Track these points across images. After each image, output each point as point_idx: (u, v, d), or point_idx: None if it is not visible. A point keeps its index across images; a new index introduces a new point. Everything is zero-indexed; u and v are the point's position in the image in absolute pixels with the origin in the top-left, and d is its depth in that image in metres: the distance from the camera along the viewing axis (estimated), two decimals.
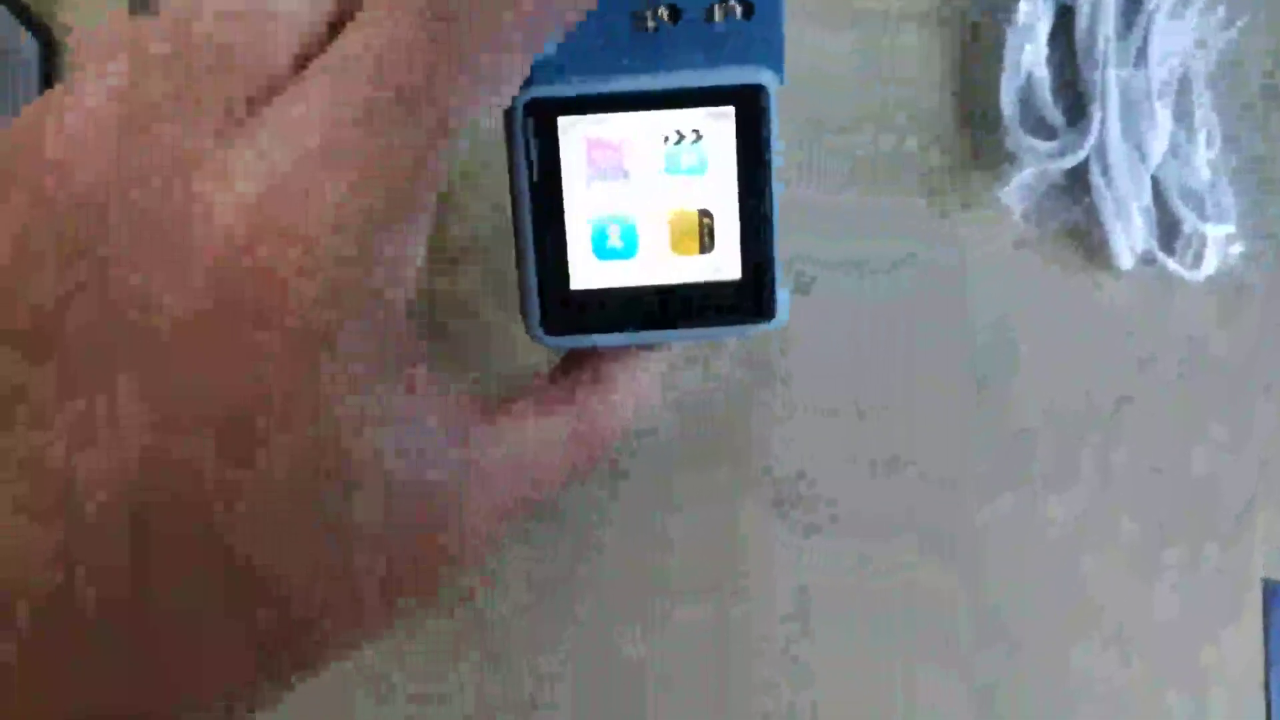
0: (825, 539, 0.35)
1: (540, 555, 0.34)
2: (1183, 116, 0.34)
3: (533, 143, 0.21)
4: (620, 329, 0.22)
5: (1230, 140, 0.34)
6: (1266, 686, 0.35)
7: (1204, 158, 0.34)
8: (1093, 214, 0.34)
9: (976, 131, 0.34)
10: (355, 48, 0.16)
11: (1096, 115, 0.32)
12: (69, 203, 0.15)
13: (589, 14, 0.20)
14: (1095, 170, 0.33)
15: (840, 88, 0.34)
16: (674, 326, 0.22)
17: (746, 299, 0.22)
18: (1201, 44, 0.34)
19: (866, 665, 0.35)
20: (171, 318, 0.15)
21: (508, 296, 0.32)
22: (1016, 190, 0.34)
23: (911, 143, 0.34)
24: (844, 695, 0.35)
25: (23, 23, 0.31)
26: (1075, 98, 0.34)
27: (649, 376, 0.23)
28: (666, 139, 0.21)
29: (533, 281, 0.22)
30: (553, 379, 0.22)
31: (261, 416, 0.15)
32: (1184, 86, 0.34)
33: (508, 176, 0.21)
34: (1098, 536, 0.34)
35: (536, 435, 0.20)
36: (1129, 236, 0.33)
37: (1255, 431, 0.35)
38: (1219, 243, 0.34)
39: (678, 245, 0.21)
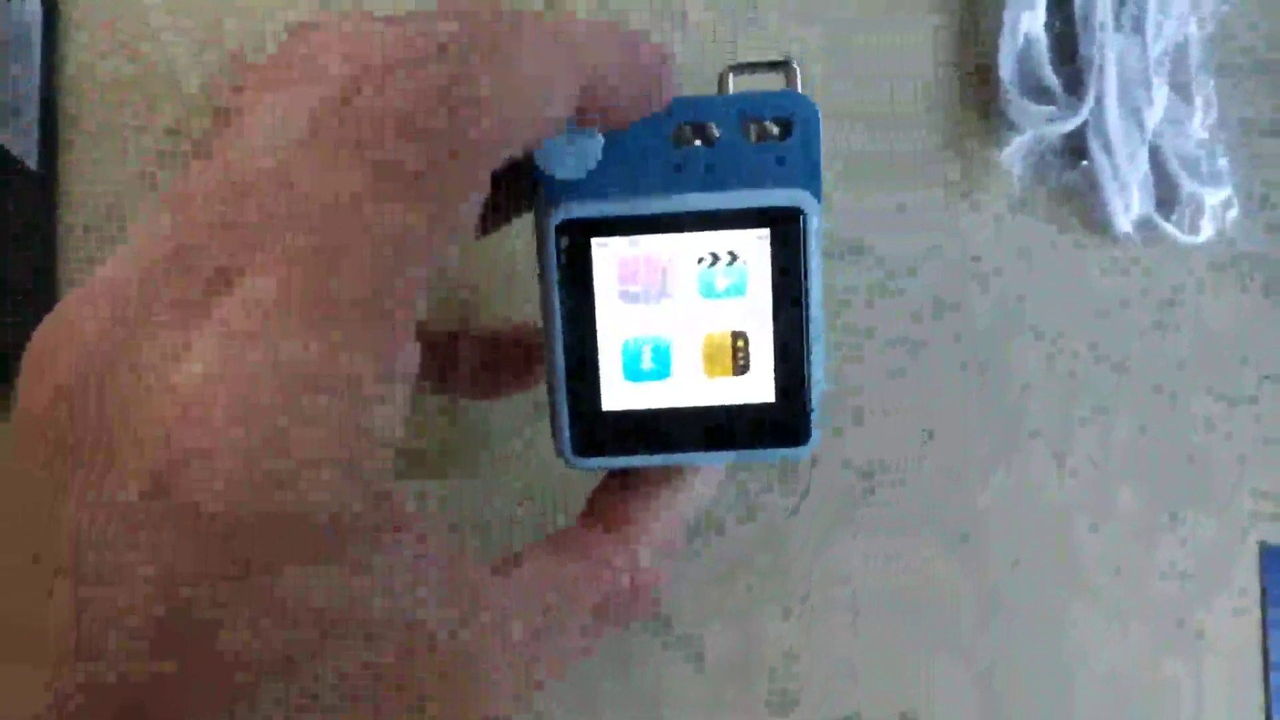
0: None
1: None
2: (1179, 86, 0.34)
3: (565, 263, 0.21)
4: (651, 451, 0.21)
5: (1225, 110, 0.34)
6: (1264, 651, 0.35)
7: (1200, 125, 0.34)
8: (1090, 178, 0.34)
9: (976, 98, 0.34)
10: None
11: (1093, 82, 0.33)
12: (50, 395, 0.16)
13: (626, 134, 0.20)
14: (1093, 137, 0.33)
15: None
16: (705, 449, 0.21)
17: (780, 423, 0.21)
18: (1198, 14, 0.34)
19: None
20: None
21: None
22: (1015, 154, 0.34)
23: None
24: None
25: None
26: (1073, 64, 0.34)
27: (674, 516, 0.22)
28: (701, 260, 0.21)
29: (564, 403, 0.21)
30: (579, 525, 0.22)
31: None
32: (1180, 56, 0.34)
33: (541, 300, 0.21)
34: (1095, 505, 0.34)
35: (550, 586, 0.20)
36: (1126, 202, 0.33)
37: (1249, 396, 0.35)
38: (1215, 208, 0.34)
39: (711, 367, 0.21)
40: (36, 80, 0.30)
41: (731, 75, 0.22)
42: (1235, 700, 0.34)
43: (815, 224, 0.21)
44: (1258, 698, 0.34)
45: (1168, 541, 0.34)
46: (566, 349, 0.21)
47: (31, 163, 0.29)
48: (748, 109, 0.21)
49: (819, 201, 0.21)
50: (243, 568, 0.15)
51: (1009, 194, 0.34)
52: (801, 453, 0.22)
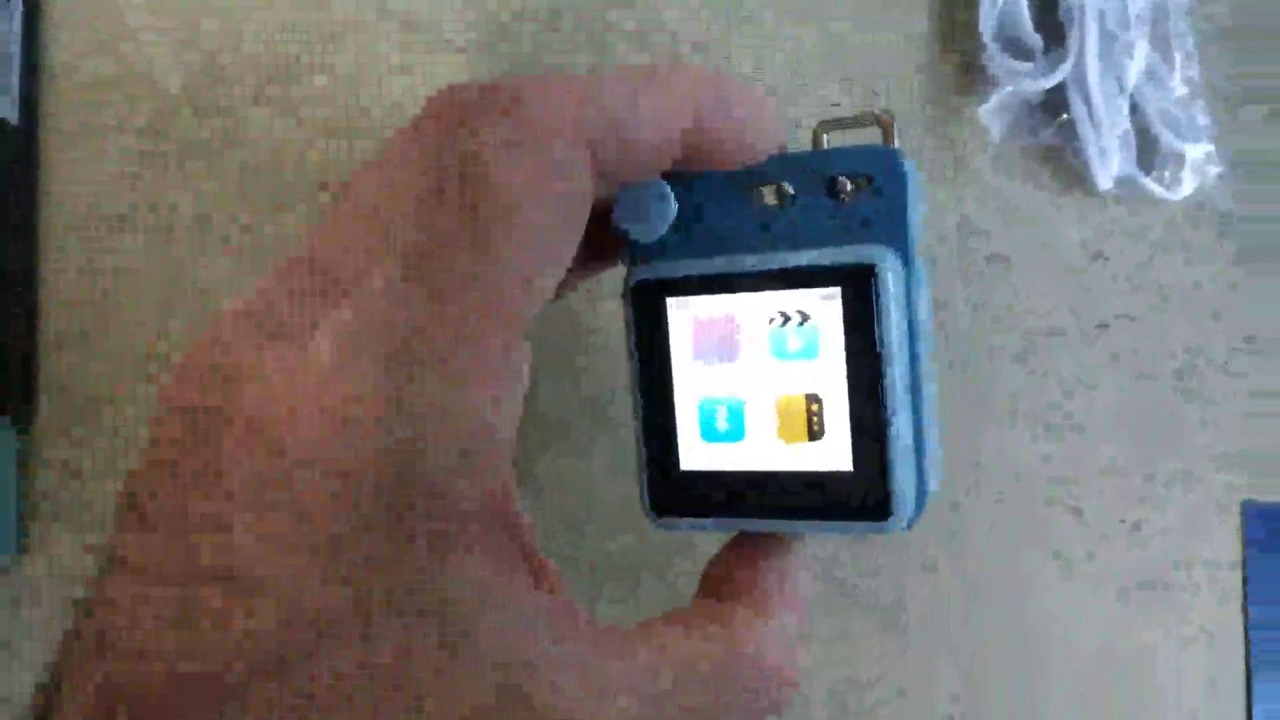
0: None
1: None
2: (1159, 43, 0.34)
3: (642, 323, 0.21)
4: (727, 515, 0.21)
5: (1205, 68, 0.35)
6: (1244, 609, 0.35)
7: (1180, 82, 0.34)
8: (1070, 135, 0.34)
9: (955, 55, 0.35)
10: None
11: (1074, 40, 0.33)
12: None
13: (707, 195, 0.20)
14: (1074, 93, 0.33)
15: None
16: (784, 516, 0.20)
17: (859, 495, 0.20)
18: None
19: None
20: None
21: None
22: (994, 110, 0.34)
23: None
24: None
25: None
26: (1054, 21, 0.34)
27: (797, 583, 0.21)
28: (772, 320, 0.20)
29: (644, 461, 0.21)
30: (700, 599, 0.21)
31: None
32: (1160, 14, 0.34)
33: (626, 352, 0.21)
34: (1076, 467, 0.35)
35: (679, 662, 0.18)
36: (1107, 159, 0.34)
37: (1230, 356, 0.35)
38: (1197, 164, 0.34)
39: (785, 432, 0.20)
40: (18, 78, 0.30)
41: (825, 133, 0.21)
42: (1215, 659, 0.35)
43: (892, 282, 0.19)
44: (1239, 654, 0.35)
45: (1148, 501, 0.35)
46: (646, 407, 0.21)
47: (12, 118, 0.29)
48: (830, 166, 0.20)
49: (908, 262, 0.20)
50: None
51: (988, 158, 0.35)
52: (889, 528, 0.20)
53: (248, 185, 0.30)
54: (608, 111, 0.18)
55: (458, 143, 0.17)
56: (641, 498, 0.21)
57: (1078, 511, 0.35)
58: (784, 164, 0.20)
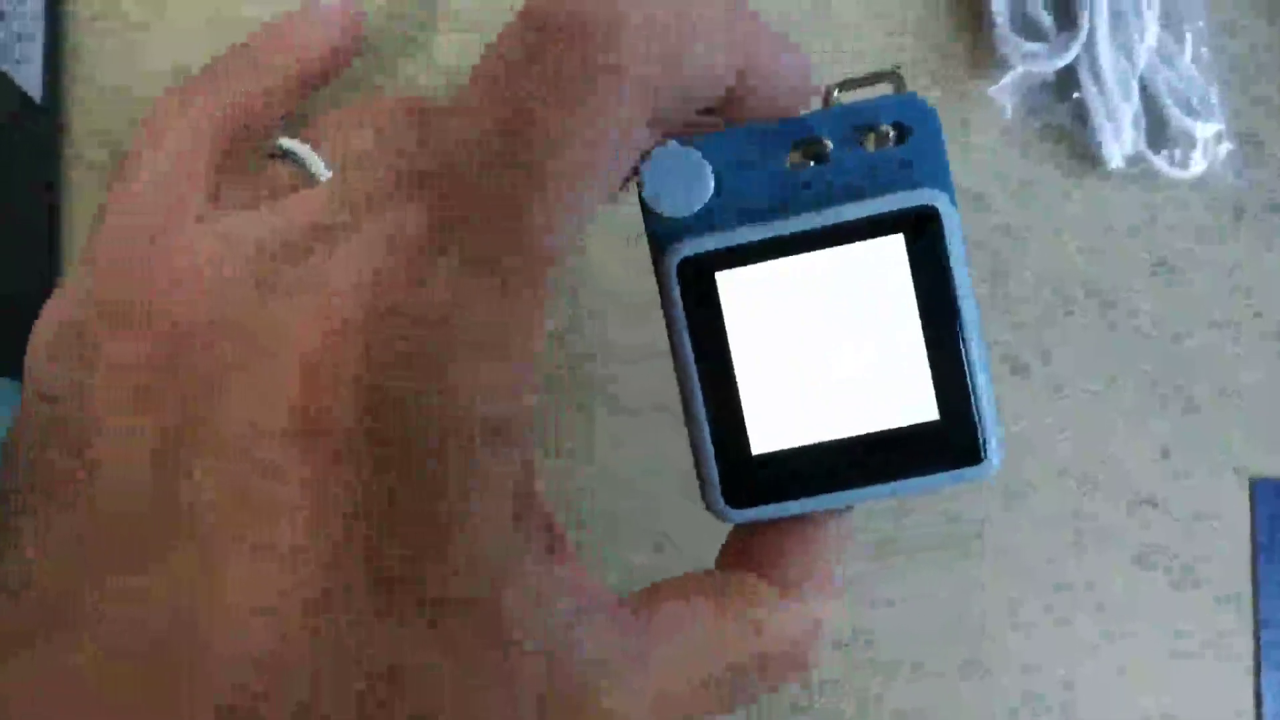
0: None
1: None
2: (1170, 21, 0.34)
3: (691, 302, 0.19)
4: (813, 492, 0.20)
5: (1217, 47, 0.35)
6: (1254, 583, 0.35)
7: (1191, 59, 0.34)
8: (1082, 113, 0.34)
9: (967, 35, 0.35)
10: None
11: (1085, 19, 0.33)
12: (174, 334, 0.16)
13: (736, 159, 0.19)
14: (1084, 72, 0.34)
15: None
16: (872, 482, 0.19)
17: (949, 442, 0.19)
18: None
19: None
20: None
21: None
22: (1006, 88, 0.34)
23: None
24: None
25: None
26: (1065, 1, 0.34)
27: (834, 563, 0.20)
28: (836, 278, 0.19)
29: (709, 451, 0.20)
30: (720, 568, 0.20)
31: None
32: None
33: (668, 341, 0.20)
34: (1089, 442, 0.35)
35: (693, 637, 0.18)
36: (1118, 137, 0.34)
37: (1241, 332, 0.35)
38: (1207, 143, 0.34)
39: (863, 391, 0.19)
40: (41, 55, 0.30)
41: (838, 91, 0.21)
42: (1225, 634, 0.35)
43: (954, 223, 0.19)
44: (1249, 631, 0.35)
45: (1160, 478, 0.35)
46: (705, 391, 0.19)
47: (36, 95, 0.30)
48: (861, 118, 0.19)
49: (954, 202, 0.19)
50: None
51: (1000, 136, 0.35)
52: (983, 473, 0.19)
53: None
54: (667, 48, 0.16)
55: (520, 84, 0.15)
56: (709, 493, 0.20)
57: (1092, 484, 0.35)
58: (814, 122, 0.20)
